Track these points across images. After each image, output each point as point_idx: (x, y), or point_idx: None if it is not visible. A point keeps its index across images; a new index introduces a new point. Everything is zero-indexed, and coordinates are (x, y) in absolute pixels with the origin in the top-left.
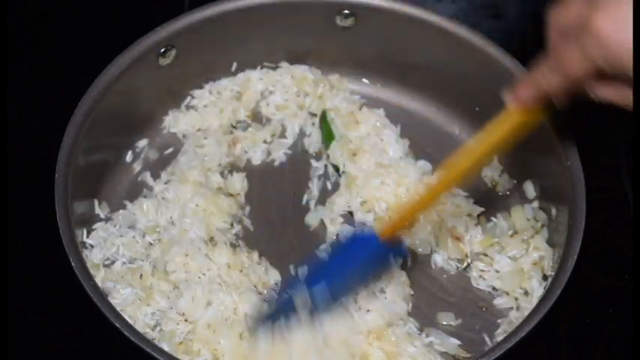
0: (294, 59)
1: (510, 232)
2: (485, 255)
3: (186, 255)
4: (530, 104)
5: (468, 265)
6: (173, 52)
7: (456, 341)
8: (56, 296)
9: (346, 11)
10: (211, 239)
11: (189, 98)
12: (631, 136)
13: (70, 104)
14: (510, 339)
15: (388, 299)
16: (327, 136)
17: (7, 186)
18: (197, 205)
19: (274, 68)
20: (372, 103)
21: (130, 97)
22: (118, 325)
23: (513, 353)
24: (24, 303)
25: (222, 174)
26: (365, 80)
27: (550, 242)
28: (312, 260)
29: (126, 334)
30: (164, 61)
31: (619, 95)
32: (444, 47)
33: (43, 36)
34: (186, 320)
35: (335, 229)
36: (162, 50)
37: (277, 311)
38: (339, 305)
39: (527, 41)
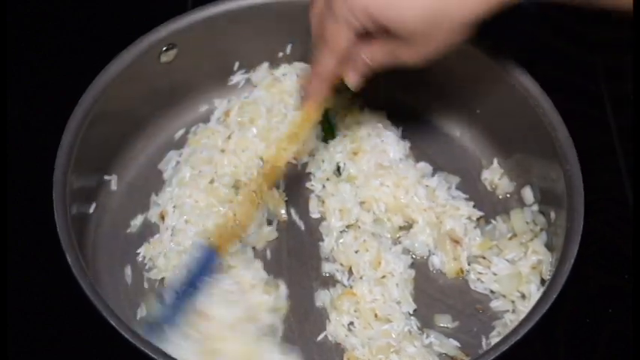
0: (296, 59)
1: (509, 235)
2: (484, 258)
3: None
4: (324, 94)
5: (467, 272)
6: (174, 51)
7: (455, 343)
8: (56, 296)
9: None
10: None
11: (191, 98)
12: (630, 136)
13: (70, 104)
14: (506, 342)
15: (395, 295)
16: (328, 134)
17: (7, 186)
18: (196, 202)
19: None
20: (373, 103)
21: (130, 96)
22: (114, 324)
23: (512, 353)
24: (24, 303)
25: None
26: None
27: (549, 246)
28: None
29: (123, 334)
30: (165, 60)
31: (388, 53)
32: None
33: (43, 36)
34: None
35: (335, 221)
36: (164, 49)
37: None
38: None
39: (528, 42)
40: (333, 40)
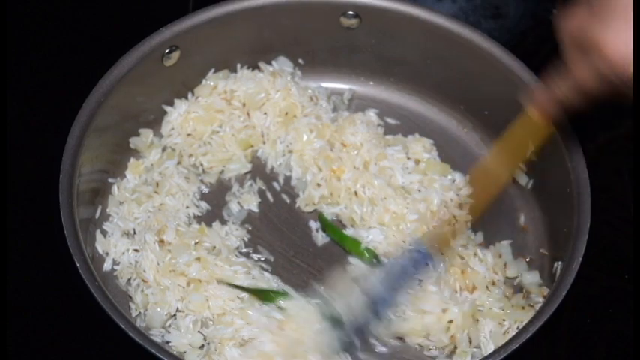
0: (298, 60)
1: None
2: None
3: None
4: (547, 109)
5: None
6: (177, 53)
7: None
8: (56, 296)
9: (350, 12)
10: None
11: (192, 100)
12: (631, 136)
13: (70, 104)
14: (515, 340)
15: None
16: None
17: (7, 186)
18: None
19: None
20: (374, 104)
21: (133, 98)
22: (122, 325)
23: (514, 353)
24: (24, 303)
25: None
26: (368, 81)
27: (554, 245)
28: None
29: (130, 334)
30: (168, 62)
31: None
32: (447, 48)
33: (43, 36)
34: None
35: None
36: (167, 51)
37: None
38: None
39: (528, 41)
40: (582, 79)
